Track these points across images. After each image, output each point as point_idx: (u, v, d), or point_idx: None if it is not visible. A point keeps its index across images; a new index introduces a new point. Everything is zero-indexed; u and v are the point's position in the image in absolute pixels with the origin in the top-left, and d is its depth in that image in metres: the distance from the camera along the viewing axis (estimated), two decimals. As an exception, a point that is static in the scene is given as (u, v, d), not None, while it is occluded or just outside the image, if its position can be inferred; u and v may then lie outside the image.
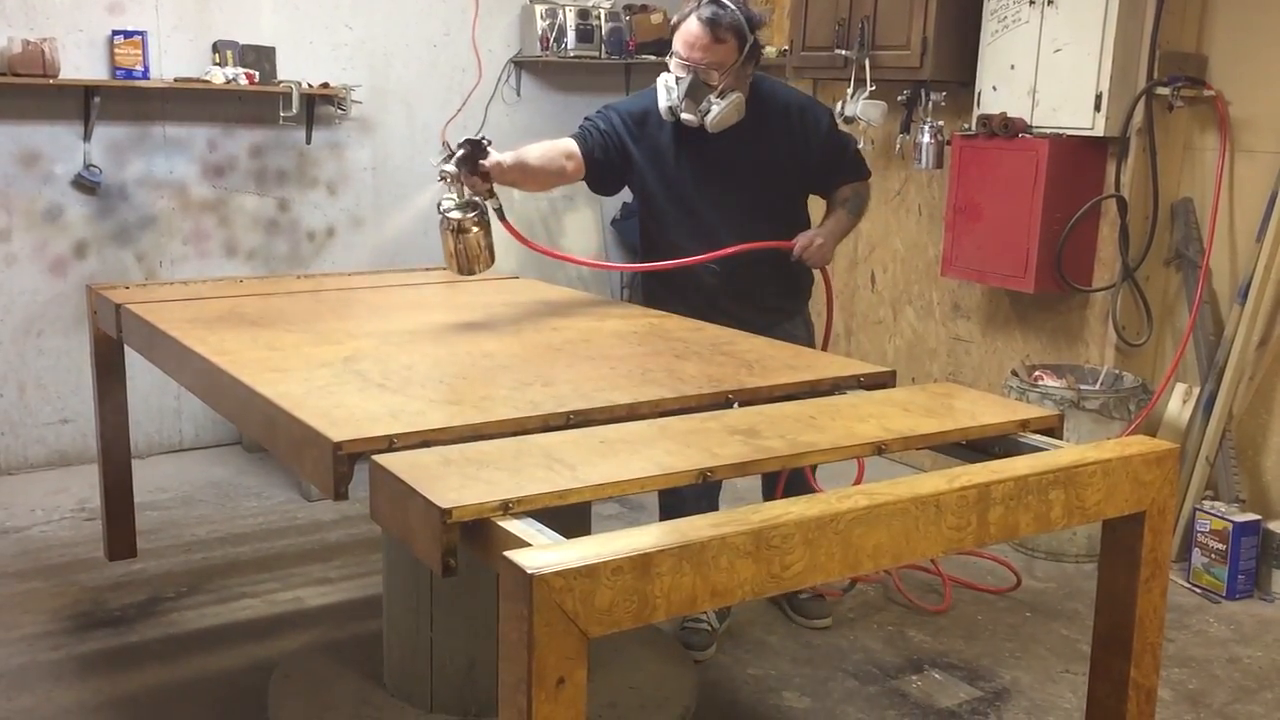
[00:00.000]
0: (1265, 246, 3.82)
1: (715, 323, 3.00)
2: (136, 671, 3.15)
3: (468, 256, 2.85)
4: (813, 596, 3.47)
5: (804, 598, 3.46)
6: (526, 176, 3.06)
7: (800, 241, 3.19)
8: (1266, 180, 3.86)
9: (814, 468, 3.17)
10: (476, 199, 2.85)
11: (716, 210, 3.19)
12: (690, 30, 3.04)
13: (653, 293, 3.38)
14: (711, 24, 3.00)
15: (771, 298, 3.30)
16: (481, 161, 2.85)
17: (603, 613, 1.44)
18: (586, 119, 3.26)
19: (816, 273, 3.38)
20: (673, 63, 3.10)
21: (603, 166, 3.20)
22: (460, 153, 2.83)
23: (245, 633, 3.39)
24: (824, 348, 3.38)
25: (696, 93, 3.04)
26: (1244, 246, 3.96)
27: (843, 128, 3.81)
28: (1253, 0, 3.90)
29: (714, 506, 3.15)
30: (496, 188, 2.92)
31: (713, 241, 3.15)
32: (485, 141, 2.88)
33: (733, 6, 3.03)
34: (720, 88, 3.05)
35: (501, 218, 2.95)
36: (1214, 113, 4.00)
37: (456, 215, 2.81)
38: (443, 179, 2.83)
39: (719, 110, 3.05)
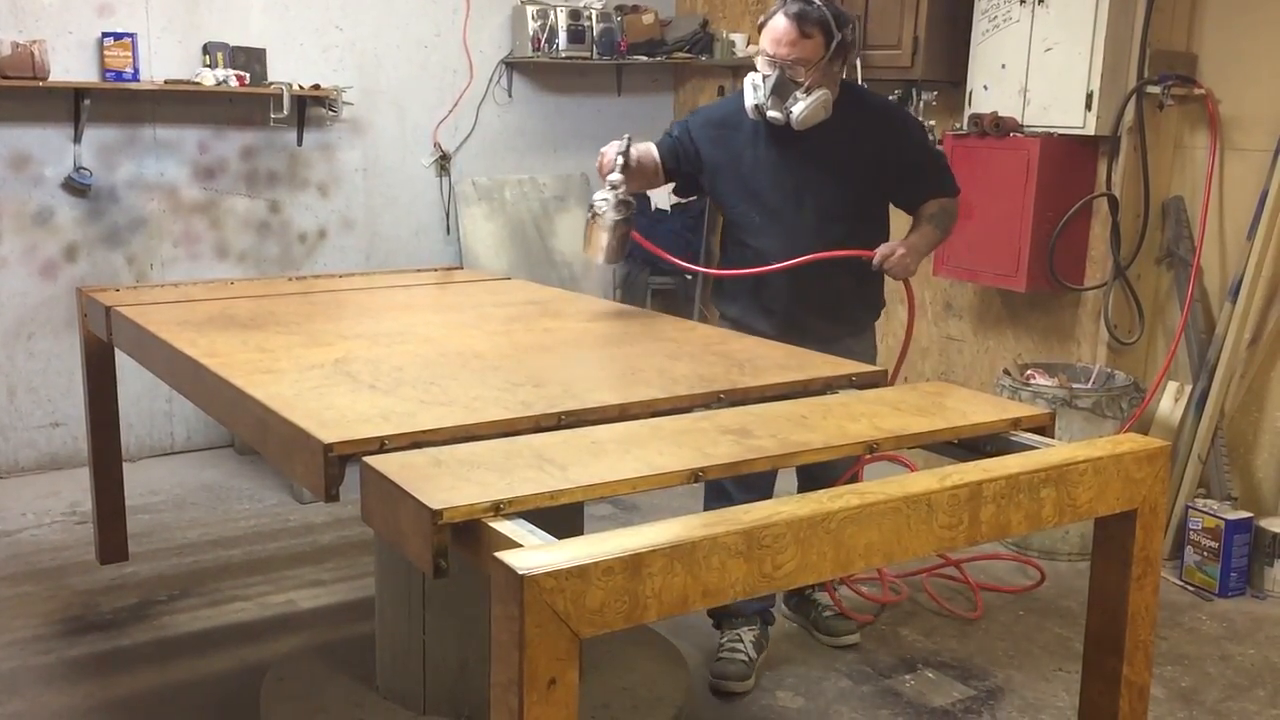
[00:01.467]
0: (1256, 245, 3.83)
1: (788, 329, 2.99)
2: (128, 675, 3.14)
3: (618, 251, 3.00)
4: (837, 614, 3.42)
5: (828, 615, 3.41)
6: (637, 175, 3.09)
7: (882, 250, 3.07)
8: (1257, 178, 3.87)
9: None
10: (629, 199, 2.99)
11: (795, 213, 3.10)
12: (777, 26, 2.99)
13: (725, 295, 3.29)
14: (799, 19, 2.96)
15: (843, 309, 3.19)
16: (630, 161, 2.99)
17: (594, 613, 1.44)
18: (672, 125, 3.32)
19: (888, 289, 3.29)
20: (759, 60, 3.06)
21: (676, 173, 3.22)
22: (621, 160, 2.97)
23: (237, 635, 3.38)
24: (899, 363, 3.24)
25: (783, 90, 2.99)
26: (1235, 244, 3.97)
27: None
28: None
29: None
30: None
31: (789, 241, 3.07)
32: (630, 140, 3.02)
33: (819, 2, 2.99)
34: (807, 84, 2.99)
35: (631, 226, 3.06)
36: (1204, 111, 4.01)
37: (616, 216, 2.97)
38: (615, 188, 2.96)
39: (805, 106, 2.98)
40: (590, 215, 2.99)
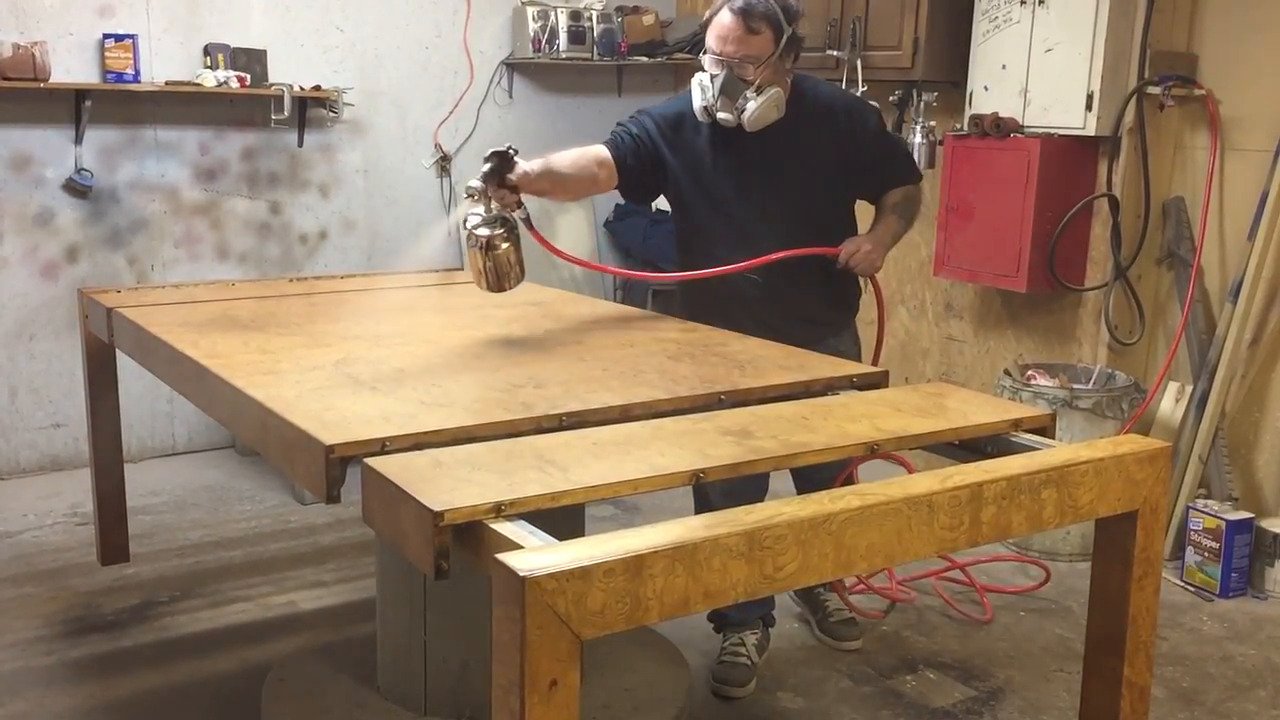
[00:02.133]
0: (1256, 245, 3.83)
1: (760, 335, 2.86)
2: (129, 676, 3.14)
3: (498, 274, 2.70)
4: (845, 619, 3.36)
5: (835, 620, 3.35)
6: (556, 185, 2.88)
7: (847, 247, 3.00)
8: (1257, 178, 3.87)
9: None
10: (505, 214, 2.70)
11: (758, 217, 3.01)
12: (722, 23, 2.87)
13: (692, 306, 3.16)
14: (744, 14, 2.84)
15: (818, 310, 3.10)
16: (509, 175, 2.68)
17: (595, 614, 1.44)
18: (619, 124, 3.11)
19: (864, 284, 3.19)
20: (706, 60, 2.93)
21: (636, 173, 3.04)
22: (487, 166, 2.66)
23: (238, 637, 3.38)
24: (875, 362, 3.14)
25: (732, 89, 2.87)
26: (1235, 245, 3.97)
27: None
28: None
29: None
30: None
31: (754, 251, 2.96)
32: (512, 151, 2.70)
33: None
34: (757, 83, 2.87)
35: (530, 227, 2.81)
36: (1204, 112, 4.01)
37: (485, 232, 2.65)
38: (469, 195, 2.67)
39: (756, 106, 2.87)
40: (465, 238, 2.73)
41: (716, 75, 2.89)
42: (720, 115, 2.90)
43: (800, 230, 3.00)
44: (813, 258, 3.00)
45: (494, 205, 2.67)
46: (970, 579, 3.72)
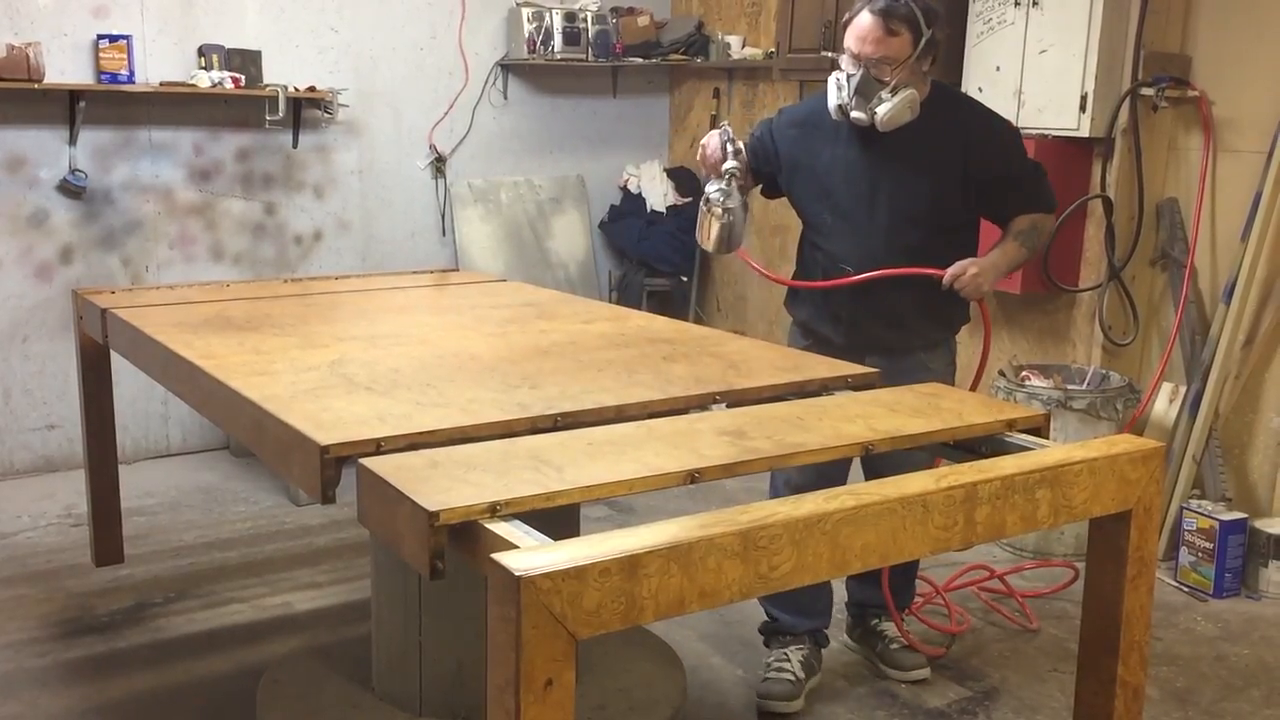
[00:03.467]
0: (1250, 246, 3.84)
1: (854, 337, 2.98)
2: (124, 677, 3.14)
3: (727, 239, 3.00)
4: (904, 646, 3.23)
5: (895, 648, 3.22)
6: (745, 173, 3.05)
7: (952, 270, 2.93)
8: (1250, 179, 3.88)
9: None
10: (740, 188, 2.98)
11: (867, 215, 2.98)
12: (862, 24, 2.87)
13: (796, 298, 3.18)
14: (885, 15, 2.84)
15: (910, 317, 3.02)
16: (741, 151, 2.98)
17: (590, 614, 1.44)
18: (757, 124, 3.24)
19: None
20: (844, 59, 2.94)
21: (759, 175, 3.15)
22: (732, 148, 2.95)
23: (233, 638, 3.38)
24: (974, 387, 3.06)
25: (867, 89, 2.87)
26: (1228, 246, 3.98)
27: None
28: (1236, 2, 3.93)
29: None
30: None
31: (860, 248, 2.97)
32: (729, 129, 3.00)
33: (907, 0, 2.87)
34: (893, 84, 2.86)
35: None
36: (1198, 113, 4.02)
37: (729, 204, 2.97)
38: (730, 177, 2.95)
39: (890, 106, 2.85)
40: (705, 206, 2.98)
41: (853, 75, 2.90)
42: (854, 114, 2.91)
43: (907, 232, 2.97)
44: (914, 276, 2.95)
45: (731, 181, 2.95)
46: (1009, 588, 3.68)
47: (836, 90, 2.93)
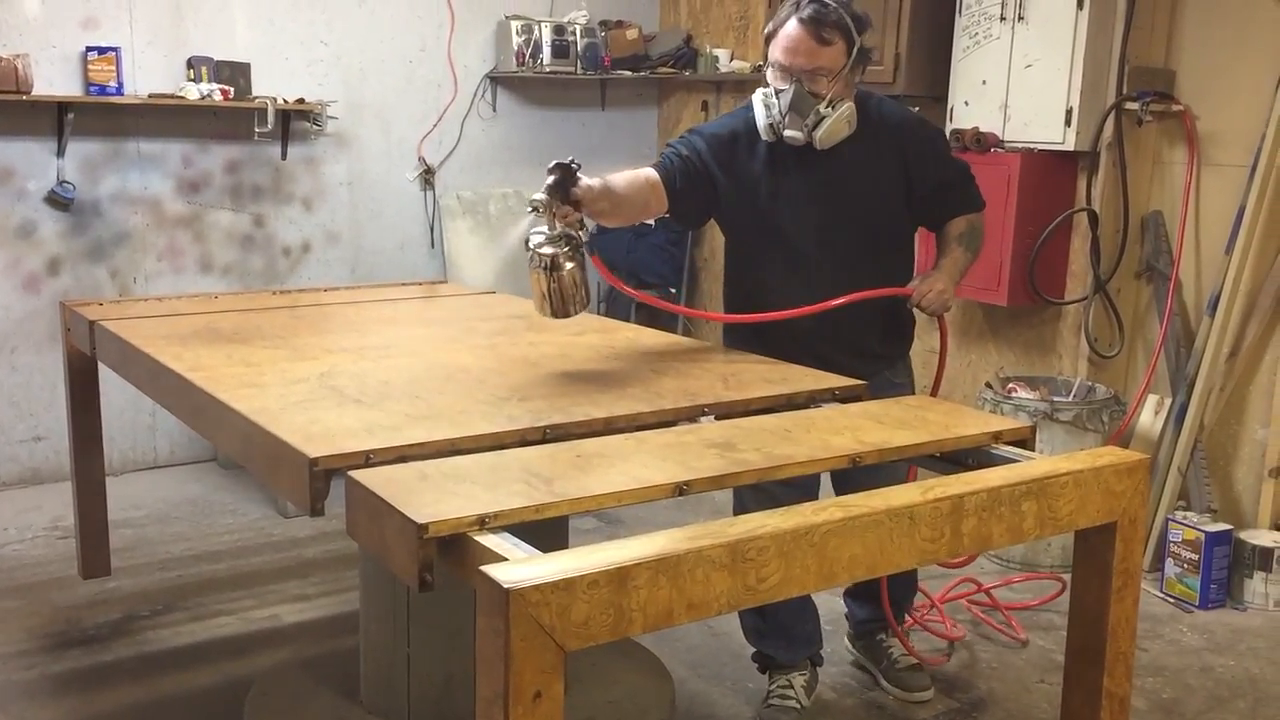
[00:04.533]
0: (1234, 259, 3.87)
1: (822, 369, 2.68)
2: (111, 690, 3.13)
3: (563, 297, 2.50)
4: (911, 665, 3.16)
5: (901, 668, 3.15)
6: (614, 207, 2.62)
7: (920, 288, 2.79)
8: (1234, 193, 3.91)
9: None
10: (570, 232, 2.48)
11: (818, 244, 2.81)
12: (791, 34, 2.67)
13: (736, 333, 2.97)
14: (815, 24, 2.64)
15: (874, 343, 2.91)
16: (573, 189, 2.46)
17: (579, 626, 1.45)
18: (669, 145, 2.88)
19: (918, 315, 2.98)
20: (770, 74, 2.73)
21: (685, 197, 2.80)
22: (551, 179, 2.44)
23: (221, 650, 3.37)
24: (934, 394, 2.97)
25: (802, 105, 2.67)
26: (1213, 259, 4.01)
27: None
28: (1219, 16, 3.96)
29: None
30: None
31: (812, 280, 2.78)
32: (575, 165, 2.46)
33: (835, 5, 2.68)
34: (829, 97, 2.68)
35: (591, 252, 2.59)
36: (1182, 127, 4.05)
37: (549, 251, 2.46)
38: (533, 210, 2.45)
39: (830, 122, 2.68)
40: (529, 258, 2.51)
41: (783, 90, 2.69)
42: (788, 133, 2.71)
43: (862, 258, 2.82)
44: (884, 298, 2.80)
45: (558, 223, 2.46)
46: (994, 601, 3.69)
47: (765, 109, 2.73)
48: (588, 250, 2.55)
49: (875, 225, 2.85)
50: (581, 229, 2.52)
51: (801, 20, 2.67)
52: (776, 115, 2.71)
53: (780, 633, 3.03)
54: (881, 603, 3.11)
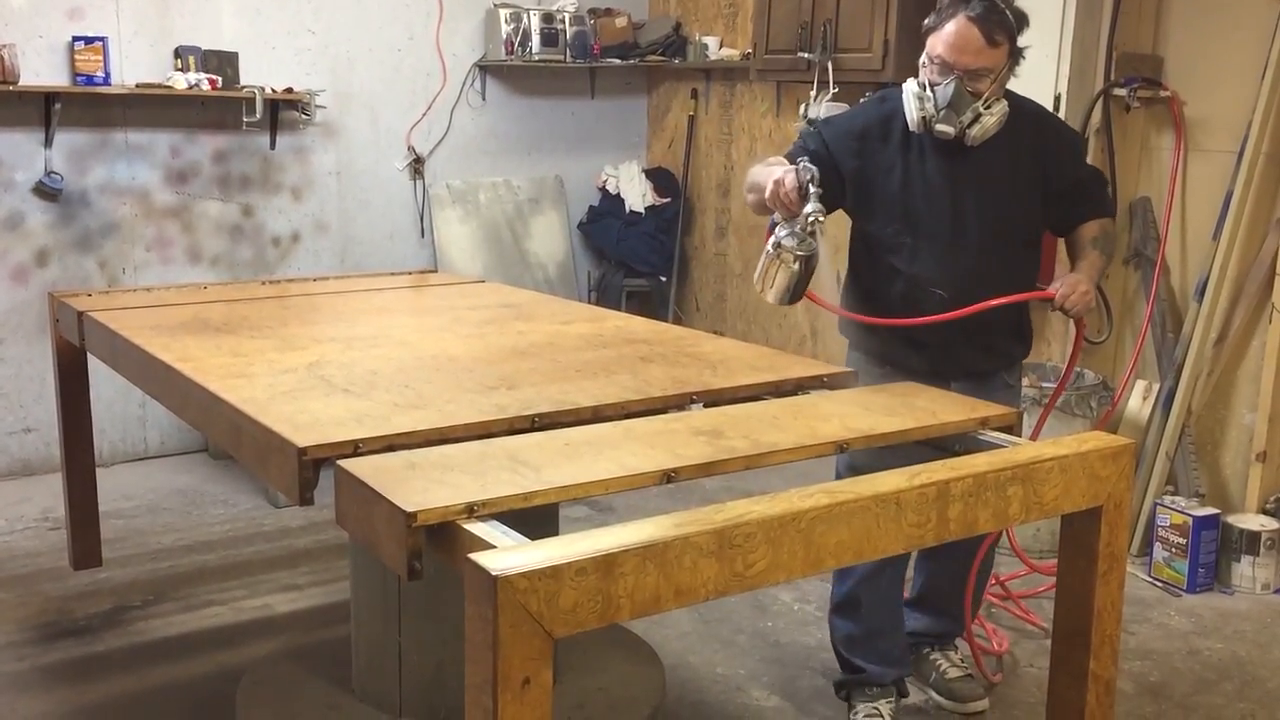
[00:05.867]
0: (1221, 244, 3.88)
1: (942, 364, 2.74)
2: (102, 681, 3.13)
3: (797, 291, 2.61)
4: (963, 676, 3.10)
5: (951, 679, 3.09)
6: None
7: (1062, 290, 2.72)
8: (1221, 179, 3.92)
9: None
10: (814, 232, 2.55)
11: (954, 237, 2.77)
12: (961, 31, 2.62)
13: (863, 325, 2.90)
14: (986, 23, 2.60)
15: (1001, 341, 2.90)
16: (816, 191, 2.52)
17: (567, 613, 1.45)
18: (799, 137, 2.90)
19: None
20: (928, 68, 2.69)
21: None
22: (814, 188, 2.52)
23: (212, 640, 3.37)
24: (1050, 404, 3.01)
25: (960, 103, 2.64)
26: (1200, 244, 4.02)
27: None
28: (1207, 2, 3.97)
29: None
30: None
31: (948, 271, 2.75)
32: (810, 169, 2.54)
33: (1003, 6, 2.66)
34: (987, 97, 2.66)
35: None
36: (1170, 113, 4.06)
37: (805, 250, 2.55)
38: (811, 231, 2.53)
39: (987, 121, 2.66)
40: (773, 251, 2.57)
41: (938, 84, 2.66)
42: (940, 127, 2.67)
43: (999, 253, 2.79)
44: (1005, 285, 2.75)
45: (809, 225, 2.53)
46: (1010, 593, 3.65)
47: (917, 102, 2.69)
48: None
49: (1008, 218, 2.80)
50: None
51: (972, 18, 2.62)
52: (930, 109, 2.67)
53: (871, 641, 2.93)
54: (942, 615, 3.11)
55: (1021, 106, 2.81)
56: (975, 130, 2.68)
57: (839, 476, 2.66)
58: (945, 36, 2.65)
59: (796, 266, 2.56)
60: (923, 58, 2.72)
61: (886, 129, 2.80)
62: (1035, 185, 2.81)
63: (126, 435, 4.98)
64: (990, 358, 2.88)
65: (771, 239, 2.59)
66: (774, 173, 2.57)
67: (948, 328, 2.73)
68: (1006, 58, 2.68)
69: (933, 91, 2.67)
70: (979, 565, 3.02)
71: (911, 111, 2.70)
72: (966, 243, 2.77)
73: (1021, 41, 2.73)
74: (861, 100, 2.92)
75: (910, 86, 2.73)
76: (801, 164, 2.56)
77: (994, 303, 2.69)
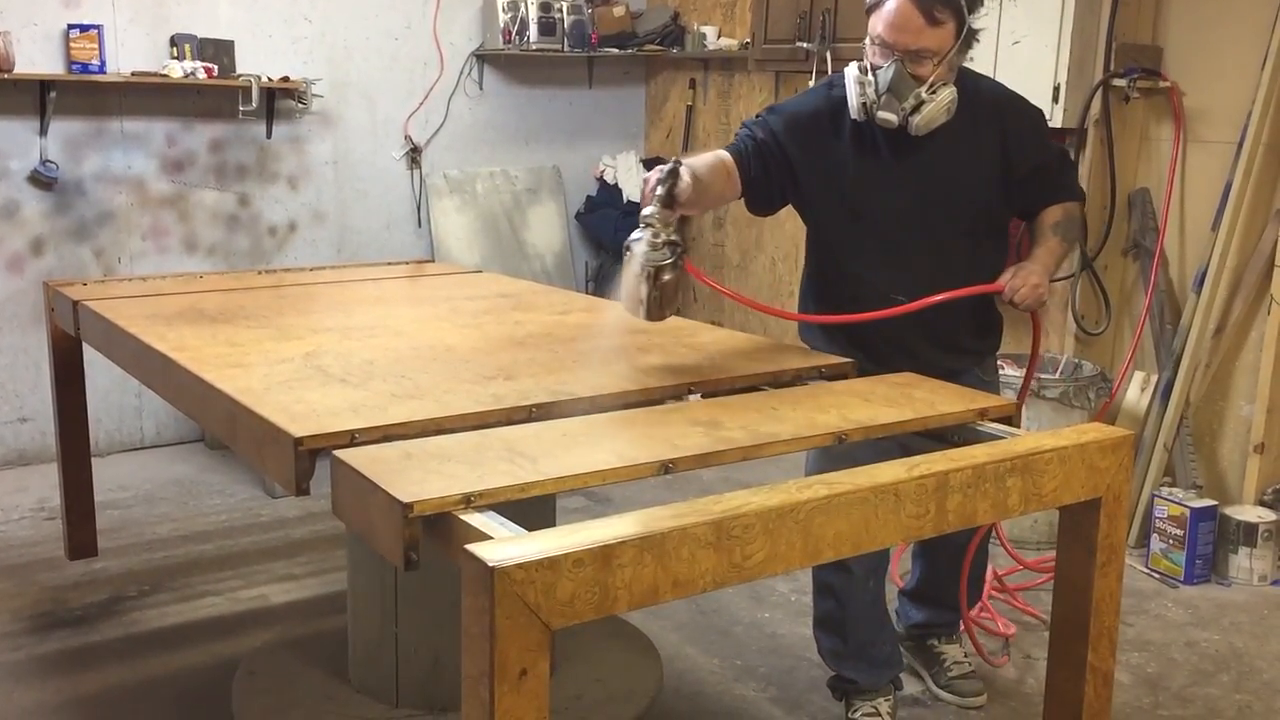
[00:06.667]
0: (1220, 235, 3.88)
1: (912, 367, 2.48)
2: (98, 671, 3.13)
3: (661, 303, 2.37)
4: (966, 673, 3.05)
5: (954, 675, 3.05)
6: (700, 198, 2.40)
7: (1011, 283, 2.55)
8: (1220, 170, 3.91)
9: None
10: (674, 239, 2.32)
11: (907, 230, 2.62)
12: (899, 9, 2.44)
13: (818, 331, 2.78)
14: (925, 1, 2.43)
15: (966, 338, 2.76)
16: (676, 191, 2.30)
17: (564, 604, 1.45)
18: (744, 126, 2.69)
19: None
20: (870, 50, 2.52)
21: (761, 184, 2.63)
22: (662, 190, 2.29)
23: (208, 631, 3.37)
24: (1021, 400, 2.72)
25: (900, 87, 2.46)
26: (1199, 235, 4.02)
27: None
28: (1206, -8, 3.96)
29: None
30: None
31: (902, 269, 2.61)
32: (678, 165, 2.33)
33: None
34: (931, 80, 2.48)
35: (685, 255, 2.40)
36: (1169, 104, 4.05)
37: (657, 260, 2.31)
38: (647, 226, 2.30)
39: (931, 107, 2.48)
40: (625, 260, 2.36)
41: (880, 68, 2.48)
42: (881, 115, 2.50)
43: (955, 247, 2.65)
44: (967, 283, 2.57)
45: (662, 231, 2.30)
46: (1007, 588, 3.65)
47: (858, 87, 2.51)
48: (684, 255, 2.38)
49: (969, 211, 2.66)
50: (678, 230, 2.37)
51: None
52: (871, 95, 2.50)
53: (860, 654, 2.88)
54: (941, 607, 3.08)
55: (979, 88, 2.64)
56: (918, 119, 2.49)
57: (809, 472, 2.60)
58: (885, 15, 2.47)
59: (643, 275, 2.32)
60: (866, 38, 2.55)
61: (837, 120, 2.61)
62: (997, 172, 2.65)
63: (122, 425, 4.97)
64: (957, 356, 2.73)
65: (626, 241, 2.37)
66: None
67: (906, 331, 2.60)
68: (953, 38, 2.47)
69: (874, 75, 2.50)
70: (973, 553, 2.99)
71: (852, 97, 2.53)
72: (924, 240, 2.63)
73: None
74: (811, 85, 2.76)
75: (851, 70, 2.55)
76: (674, 160, 2.35)
77: (935, 299, 2.51)
